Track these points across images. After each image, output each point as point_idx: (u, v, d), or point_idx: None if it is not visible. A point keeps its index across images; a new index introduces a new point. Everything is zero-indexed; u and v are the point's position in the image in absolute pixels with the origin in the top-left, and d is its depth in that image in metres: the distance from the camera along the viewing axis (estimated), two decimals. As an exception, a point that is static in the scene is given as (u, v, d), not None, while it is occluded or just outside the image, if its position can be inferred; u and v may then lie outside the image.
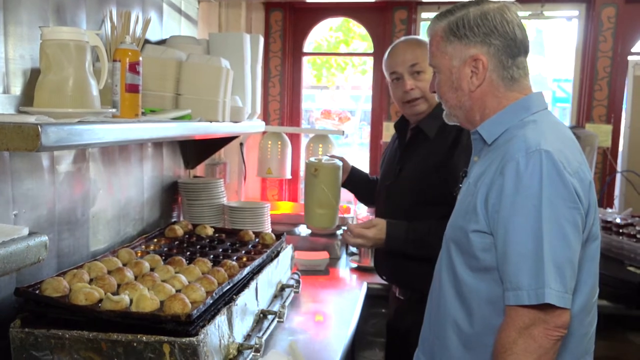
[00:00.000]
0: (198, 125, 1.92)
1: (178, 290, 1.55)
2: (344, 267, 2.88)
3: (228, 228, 2.52)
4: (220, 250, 2.09)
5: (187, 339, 1.36)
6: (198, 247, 2.13)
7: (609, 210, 3.22)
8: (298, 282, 2.31)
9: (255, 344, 1.64)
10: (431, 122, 2.05)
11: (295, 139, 3.67)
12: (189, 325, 1.38)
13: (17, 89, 1.51)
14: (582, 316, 1.33)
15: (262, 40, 2.61)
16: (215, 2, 3.10)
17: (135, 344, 1.36)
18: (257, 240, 2.26)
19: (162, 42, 2.32)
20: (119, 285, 1.58)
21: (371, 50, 3.70)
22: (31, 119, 1.14)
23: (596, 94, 3.31)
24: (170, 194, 2.62)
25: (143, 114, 1.69)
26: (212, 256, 1.98)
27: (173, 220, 2.63)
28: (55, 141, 1.13)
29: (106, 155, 2.03)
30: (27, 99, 1.50)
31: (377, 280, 2.44)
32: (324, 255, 2.82)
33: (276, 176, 3.41)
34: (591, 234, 1.31)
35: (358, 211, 3.41)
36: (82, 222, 1.89)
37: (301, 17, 3.66)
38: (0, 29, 1.45)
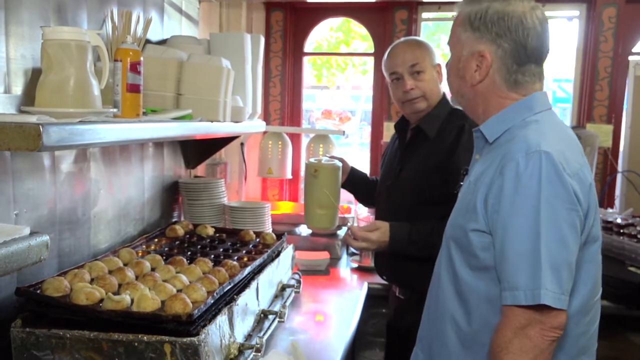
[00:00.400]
0: (199, 125, 1.92)
1: (179, 290, 1.55)
2: (345, 267, 2.88)
3: (229, 228, 2.52)
4: (221, 250, 2.09)
5: (188, 338, 1.36)
6: (199, 247, 2.13)
7: (610, 210, 3.22)
8: (299, 282, 2.31)
9: (256, 343, 1.64)
10: (431, 122, 2.06)
11: (295, 139, 3.67)
12: (190, 325, 1.38)
13: (18, 88, 1.51)
14: (579, 317, 1.33)
15: (262, 40, 2.61)
16: (216, 2, 3.10)
17: (136, 344, 1.36)
18: (257, 240, 2.26)
19: (163, 42, 2.32)
20: (119, 285, 1.57)
21: (372, 50, 3.70)
22: (32, 119, 1.14)
23: (597, 94, 3.31)
24: (171, 194, 2.62)
25: (144, 113, 1.69)
26: (212, 256, 1.98)
27: (174, 220, 2.63)
28: (57, 141, 1.13)
29: (107, 155, 2.03)
30: (28, 98, 1.50)
31: (378, 280, 2.44)
32: (324, 255, 2.81)
33: (277, 176, 3.41)
34: (590, 236, 1.31)
35: (359, 211, 3.41)
36: (83, 221, 1.89)
37: (302, 17, 3.66)
38: (1, 29, 1.45)
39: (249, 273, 1.85)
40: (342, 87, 7.66)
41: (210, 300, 1.52)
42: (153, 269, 1.74)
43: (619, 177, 3.37)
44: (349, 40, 7.43)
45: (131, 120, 1.52)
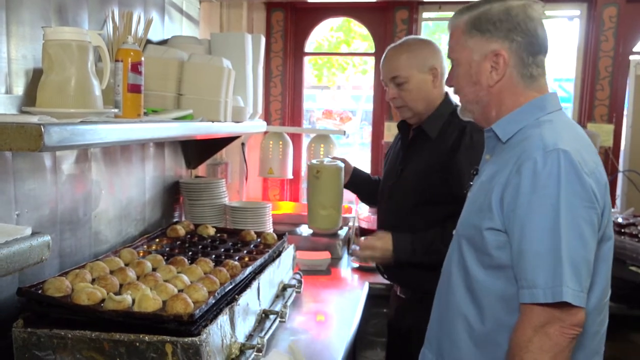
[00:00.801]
0: (200, 125, 1.93)
1: (180, 290, 1.55)
2: (346, 267, 2.88)
3: (230, 228, 2.52)
4: (222, 250, 2.09)
5: (190, 338, 1.36)
6: (200, 247, 2.13)
7: (611, 210, 3.22)
8: (300, 282, 2.31)
9: (257, 343, 1.64)
10: (433, 122, 2.06)
11: (296, 139, 3.67)
12: (191, 325, 1.38)
13: (19, 89, 1.51)
14: (595, 315, 1.33)
15: (263, 40, 2.61)
16: (216, 2, 3.10)
17: (137, 344, 1.36)
18: (258, 240, 2.27)
19: (163, 42, 2.32)
20: (121, 285, 1.58)
21: (372, 50, 3.70)
22: (34, 119, 1.14)
23: (598, 94, 3.31)
24: (172, 194, 2.62)
25: (145, 114, 1.69)
26: (214, 256, 1.98)
27: (175, 220, 2.63)
28: (58, 141, 1.13)
29: (108, 155, 2.03)
30: (29, 99, 1.51)
31: (379, 280, 2.44)
32: (325, 255, 2.81)
33: (278, 176, 3.41)
34: (605, 235, 1.32)
35: (360, 211, 3.41)
36: (84, 222, 1.89)
37: (302, 17, 3.66)
38: (2, 29, 1.45)
39: (250, 273, 1.85)
40: (342, 87, 7.66)
41: (212, 300, 1.52)
42: (154, 269, 1.75)
43: (620, 176, 3.37)
44: (349, 40, 7.42)
45: (132, 121, 1.53)
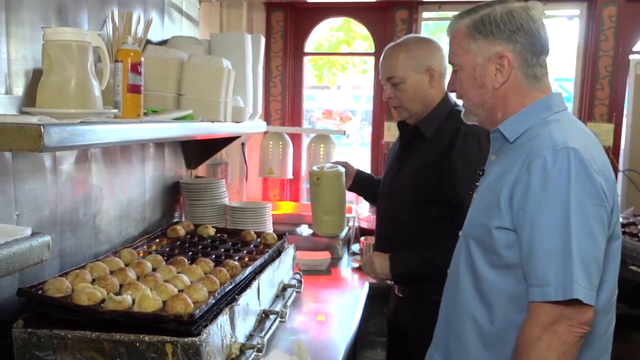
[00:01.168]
0: (200, 125, 1.93)
1: (180, 290, 1.55)
2: (346, 267, 2.88)
3: (230, 228, 2.52)
4: (222, 250, 2.10)
5: (190, 338, 1.36)
6: (200, 247, 2.13)
7: (619, 208, 3.22)
8: (300, 282, 2.31)
9: (258, 343, 1.64)
10: (429, 122, 2.06)
11: (296, 139, 3.67)
12: (191, 325, 1.38)
13: (19, 89, 1.52)
14: (602, 315, 1.33)
15: (263, 40, 2.61)
16: (216, 3, 3.10)
17: (137, 344, 1.37)
18: (258, 240, 2.27)
19: (163, 43, 2.32)
20: (121, 286, 1.58)
21: (372, 50, 3.70)
22: (33, 120, 1.14)
23: (597, 93, 3.31)
24: (172, 194, 2.63)
25: (145, 114, 1.69)
26: (214, 256, 1.98)
27: (175, 220, 2.63)
28: (58, 142, 1.13)
29: (108, 155, 2.03)
30: (29, 99, 1.51)
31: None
32: (325, 255, 2.82)
33: (278, 176, 3.41)
34: (614, 233, 1.32)
35: (360, 211, 3.41)
36: (84, 222, 1.89)
37: (302, 17, 3.66)
38: (2, 30, 1.45)
39: (250, 273, 1.85)
40: (342, 87, 7.66)
41: (212, 300, 1.52)
42: (154, 269, 1.75)
43: (620, 176, 3.37)
44: (349, 40, 7.42)
45: (132, 121, 1.53)
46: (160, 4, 2.37)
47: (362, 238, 2.96)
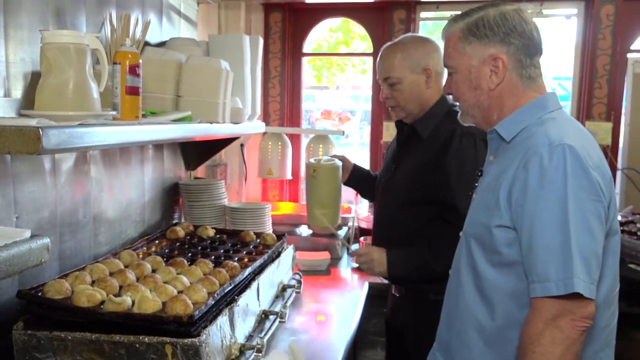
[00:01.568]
0: (198, 126, 1.93)
1: (180, 292, 1.56)
2: (345, 267, 2.88)
3: (229, 229, 2.52)
4: (222, 251, 2.10)
5: (189, 339, 1.36)
6: (199, 248, 2.14)
7: (616, 204, 3.22)
8: (299, 282, 2.31)
9: (257, 344, 1.65)
10: (426, 122, 2.06)
11: (295, 139, 3.67)
12: (190, 326, 1.39)
13: (18, 92, 1.52)
14: (604, 308, 1.35)
15: (261, 41, 2.62)
16: (214, 4, 3.11)
17: (137, 345, 1.37)
18: (258, 240, 2.27)
19: (162, 44, 2.32)
20: (120, 287, 1.58)
21: (370, 51, 3.70)
22: (32, 122, 1.15)
23: (596, 92, 3.31)
24: (171, 196, 2.63)
25: (143, 116, 1.69)
26: (213, 257, 1.98)
27: (174, 221, 2.63)
28: (56, 144, 1.14)
29: (107, 157, 2.03)
30: (28, 102, 1.51)
31: (378, 279, 2.45)
32: (325, 255, 2.82)
33: (277, 177, 3.42)
34: (612, 229, 1.33)
35: (359, 211, 3.41)
36: (83, 224, 1.90)
37: (300, 17, 3.67)
38: (1, 33, 1.46)
39: (249, 274, 1.85)
40: (342, 87, 7.66)
41: (211, 301, 1.52)
42: (154, 271, 1.75)
43: (618, 174, 3.37)
44: (348, 41, 7.42)
45: (130, 123, 1.53)
46: (159, 5, 2.37)
47: (362, 238, 2.96)
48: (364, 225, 3.32)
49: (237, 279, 1.74)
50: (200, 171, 3.01)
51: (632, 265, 2.56)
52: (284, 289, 2.17)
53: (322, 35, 7.11)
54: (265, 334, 1.80)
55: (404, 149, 2.12)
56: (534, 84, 1.42)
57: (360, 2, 3.57)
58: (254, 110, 2.60)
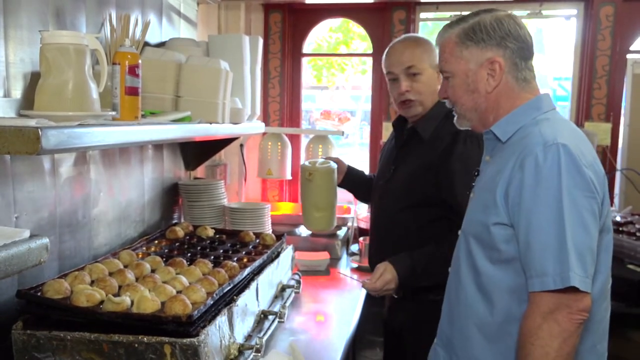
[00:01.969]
0: (198, 127, 1.93)
1: (179, 292, 1.56)
2: (345, 268, 2.88)
3: (229, 229, 2.53)
4: (221, 251, 2.10)
5: (188, 339, 1.37)
6: (199, 248, 2.14)
7: (609, 202, 3.22)
8: (299, 282, 2.32)
9: (256, 344, 1.65)
10: (426, 123, 2.04)
11: (295, 139, 3.67)
12: (189, 326, 1.39)
13: (17, 92, 1.52)
14: (600, 302, 1.39)
15: (261, 41, 2.62)
16: (214, 4, 3.11)
17: (136, 345, 1.37)
18: (257, 241, 2.27)
19: (161, 45, 2.33)
20: (120, 287, 1.59)
21: (370, 51, 3.71)
22: (31, 123, 1.15)
23: (595, 93, 3.32)
24: (171, 196, 2.63)
25: (143, 116, 1.70)
26: (212, 257, 1.99)
27: (174, 221, 2.63)
28: (56, 144, 1.14)
29: (107, 157, 2.04)
30: (27, 102, 1.51)
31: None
32: (324, 255, 2.82)
33: (276, 177, 3.42)
34: (605, 226, 1.37)
35: (358, 212, 3.42)
36: (83, 224, 1.90)
37: (300, 18, 3.67)
38: (0, 33, 1.46)
39: (248, 274, 1.85)
40: (342, 87, 7.67)
41: (210, 301, 1.52)
42: (153, 271, 1.76)
43: (617, 175, 3.38)
44: (348, 41, 7.43)
45: (130, 123, 1.53)
46: (158, 6, 2.38)
47: (361, 238, 2.96)
48: (363, 225, 3.32)
49: (236, 279, 1.74)
50: (200, 171, 3.01)
51: (631, 266, 2.56)
52: (283, 289, 2.18)
53: (322, 35, 7.12)
54: (264, 334, 1.81)
55: (403, 150, 2.11)
56: (529, 85, 1.46)
57: (360, 3, 3.57)
58: (253, 110, 2.61)
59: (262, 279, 1.93)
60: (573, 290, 1.24)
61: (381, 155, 2.35)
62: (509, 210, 1.34)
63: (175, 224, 2.39)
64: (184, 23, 2.64)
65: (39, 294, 1.48)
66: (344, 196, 2.74)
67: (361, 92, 7.36)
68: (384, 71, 2.14)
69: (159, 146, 2.48)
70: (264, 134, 3.29)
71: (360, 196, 2.53)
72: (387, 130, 3.52)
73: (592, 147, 1.42)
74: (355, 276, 2.70)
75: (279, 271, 2.17)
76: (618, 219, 2.90)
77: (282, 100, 3.67)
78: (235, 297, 1.68)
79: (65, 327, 1.42)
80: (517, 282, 1.34)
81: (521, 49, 1.43)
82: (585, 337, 1.32)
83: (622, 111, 3.37)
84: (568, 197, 1.26)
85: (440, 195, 1.94)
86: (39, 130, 1.09)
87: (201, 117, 1.98)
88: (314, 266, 2.74)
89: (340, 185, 2.39)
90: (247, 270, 1.85)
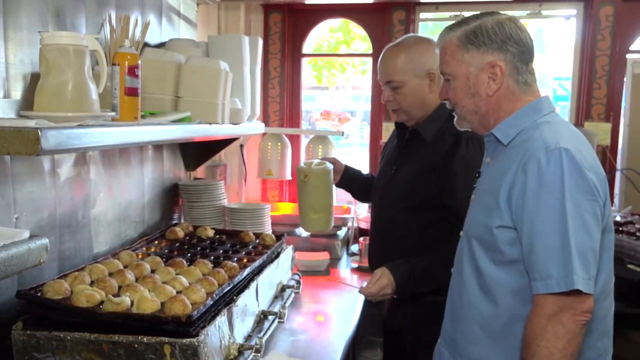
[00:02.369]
0: (197, 127, 1.94)
1: (179, 292, 1.56)
2: (345, 268, 2.89)
3: (228, 229, 2.53)
4: (221, 251, 2.10)
5: (188, 339, 1.37)
6: (199, 248, 2.14)
7: (610, 203, 3.23)
8: (299, 282, 2.32)
9: (256, 344, 1.65)
10: (429, 125, 2.03)
11: (295, 140, 3.68)
12: (189, 326, 1.39)
13: (17, 93, 1.53)
14: (602, 300, 1.40)
15: (261, 42, 2.62)
16: (214, 5, 3.11)
17: (136, 345, 1.37)
18: (257, 241, 2.27)
19: (161, 45, 2.33)
20: (120, 287, 1.59)
21: (370, 51, 3.71)
22: (31, 123, 1.15)
23: (595, 93, 3.32)
24: (171, 196, 2.63)
25: (142, 116, 1.70)
26: (212, 257, 1.99)
27: (174, 222, 2.64)
28: (55, 145, 1.14)
29: (107, 158, 2.04)
30: (27, 103, 1.52)
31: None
32: (324, 255, 2.82)
33: (276, 177, 3.42)
34: (607, 227, 1.39)
35: (359, 212, 3.42)
36: (83, 224, 1.90)
37: (300, 18, 3.67)
38: (0, 34, 1.46)
39: (248, 274, 1.85)
40: (342, 88, 7.66)
41: (210, 302, 1.53)
42: (153, 271, 1.76)
43: (617, 175, 3.38)
44: (348, 41, 7.43)
45: (129, 124, 1.53)
46: (158, 6, 2.38)
47: (361, 238, 2.96)
48: (363, 225, 3.32)
49: (236, 280, 1.74)
50: (200, 172, 3.01)
51: (631, 266, 2.56)
52: (283, 289, 2.18)
53: (323, 35, 7.12)
54: (264, 334, 1.81)
55: (405, 151, 2.10)
56: (530, 88, 1.46)
57: (359, 3, 3.58)
58: (253, 110, 2.61)
59: (262, 279, 1.94)
60: (577, 292, 1.26)
61: (382, 154, 2.34)
62: (512, 214, 1.35)
63: (175, 225, 2.39)
64: (184, 23, 2.65)
65: (38, 294, 1.48)
66: (344, 196, 2.74)
67: (361, 92, 7.35)
68: None
69: (158, 147, 2.48)
70: (263, 134, 3.29)
71: (359, 196, 2.53)
72: (387, 130, 3.52)
73: (592, 149, 1.44)
74: (355, 278, 2.70)
75: (279, 271, 2.17)
76: (618, 218, 2.90)
77: (282, 100, 3.67)
78: (235, 297, 1.68)
79: (65, 327, 1.42)
80: (521, 283, 1.36)
81: (522, 53, 1.43)
82: (586, 335, 1.33)
83: (622, 111, 3.37)
84: (571, 201, 1.27)
85: (440, 198, 1.93)
86: (39, 130, 1.09)
87: (201, 117, 1.98)
88: (314, 266, 2.75)
89: (338, 185, 2.38)
90: (247, 271, 1.85)
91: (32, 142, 1.09)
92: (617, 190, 3.42)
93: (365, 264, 2.79)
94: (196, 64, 2.06)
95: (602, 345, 1.45)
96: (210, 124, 2.03)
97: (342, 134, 3.47)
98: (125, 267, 1.77)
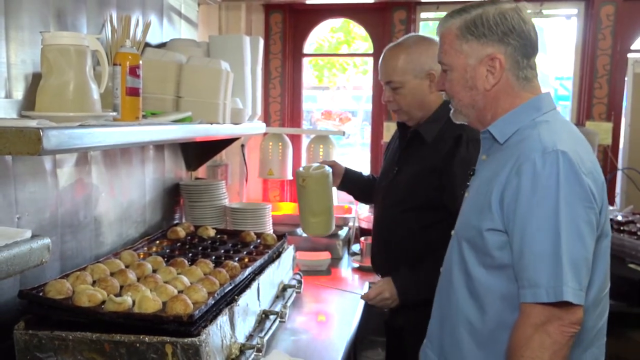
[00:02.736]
0: (199, 127, 1.94)
1: (180, 291, 1.56)
2: (346, 267, 2.89)
3: (230, 229, 2.53)
4: (222, 251, 2.11)
5: (189, 339, 1.37)
6: (200, 248, 2.14)
7: (610, 207, 3.23)
8: (300, 282, 2.32)
9: (257, 343, 1.65)
10: (429, 126, 2.02)
11: (296, 140, 3.68)
12: (191, 325, 1.40)
13: (19, 93, 1.53)
14: (592, 310, 1.35)
15: (262, 42, 2.62)
16: (215, 5, 3.11)
17: (137, 345, 1.38)
18: (258, 241, 2.28)
19: (162, 45, 2.33)
20: (121, 287, 1.59)
21: (371, 51, 3.71)
22: (33, 123, 1.15)
23: (596, 92, 3.32)
24: (172, 196, 2.64)
25: (144, 116, 1.70)
26: (213, 257, 1.99)
27: (175, 222, 2.64)
28: (57, 145, 1.15)
29: (108, 158, 2.04)
30: (29, 103, 1.52)
31: (378, 280, 2.45)
32: (325, 255, 2.83)
33: (277, 177, 3.42)
34: (603, 232, 1.33)
35: (360, 211, 3.42)
36: (84, 224, 1.90)
37: (301, 18, 3.68)
38: (2, 34, 1.47)
39: (249, 274, 1.86)
40: (343, 88, 7.66)
41: (211, 301, 1.53)
42: (154, 271, 1.76)
43: (619, 174, 3.38)
44: (349, 41, 7.43)
45: (131, 124, 1.54)
46: (159, 6, 2.38)
47: (362, 238, 2.97)
48: (364, 225, 3.32)
49: (237, 279, 1.75)
50: (201, 172, 3.02)
51: (632, 265, 2.56)
52: (284, 289, 2.18)
53: (324, 35, 7.11)
54: (265, 334, 1.81)
55: (407, 151, 2.10)
56: (530, 84, 1.40)
57: (360, 3, 3.58)
58: (254, 110, 2.61)
59: (263, 278, 1.94)
60: (566, 303, 1.20)
61: (385, 154, 2.34)
62: (503, 217, 1.29)
63: (177, 224, 2.39)
64: (185, 24, 2.65)
65: (40, 294, 1.49)
66: (345, 196, 2.74)
67: (362, 92, 7.34)
68: None
69: (160, 147, 2.48)
70: (265, 134, 3.30)
71: (360, 198, 2.52)
72: (388, 130, 3.52)
73: (592, 151, 1.38)
74: (356, 278, 2.70)
75: (280, 271, 2.18)
76: (619, 218, 2.90)
77: (283, 100, 3.67)
78: (236, 297, 1.69)
79: (67, 327, 1.42)
80: (510, 289, 1.30)
81: (524, 46, 1.36)
82: (574, 344, 1.28)
83: (623, 110, 3.37)
84: (565, 207, 1.21)
85: (440, 198, 1.93)
86: (40, 130, 1.09)
87: (202, 117, 1.98)
88: (315, 266, 2.75)
89: (339, 188, 2.38)
90: (248, 270, 1.85)
91: (33, 142, 1.09)
92: (618, 189, 3.42)
93: (367, 263, 2.80)
94: (197, 64, 2.06)
95: (591, 354, 1.39)
96: (212, 124, 2.03)
97: (343, 133, 3.47)
98: (126, 266, 1.77)
